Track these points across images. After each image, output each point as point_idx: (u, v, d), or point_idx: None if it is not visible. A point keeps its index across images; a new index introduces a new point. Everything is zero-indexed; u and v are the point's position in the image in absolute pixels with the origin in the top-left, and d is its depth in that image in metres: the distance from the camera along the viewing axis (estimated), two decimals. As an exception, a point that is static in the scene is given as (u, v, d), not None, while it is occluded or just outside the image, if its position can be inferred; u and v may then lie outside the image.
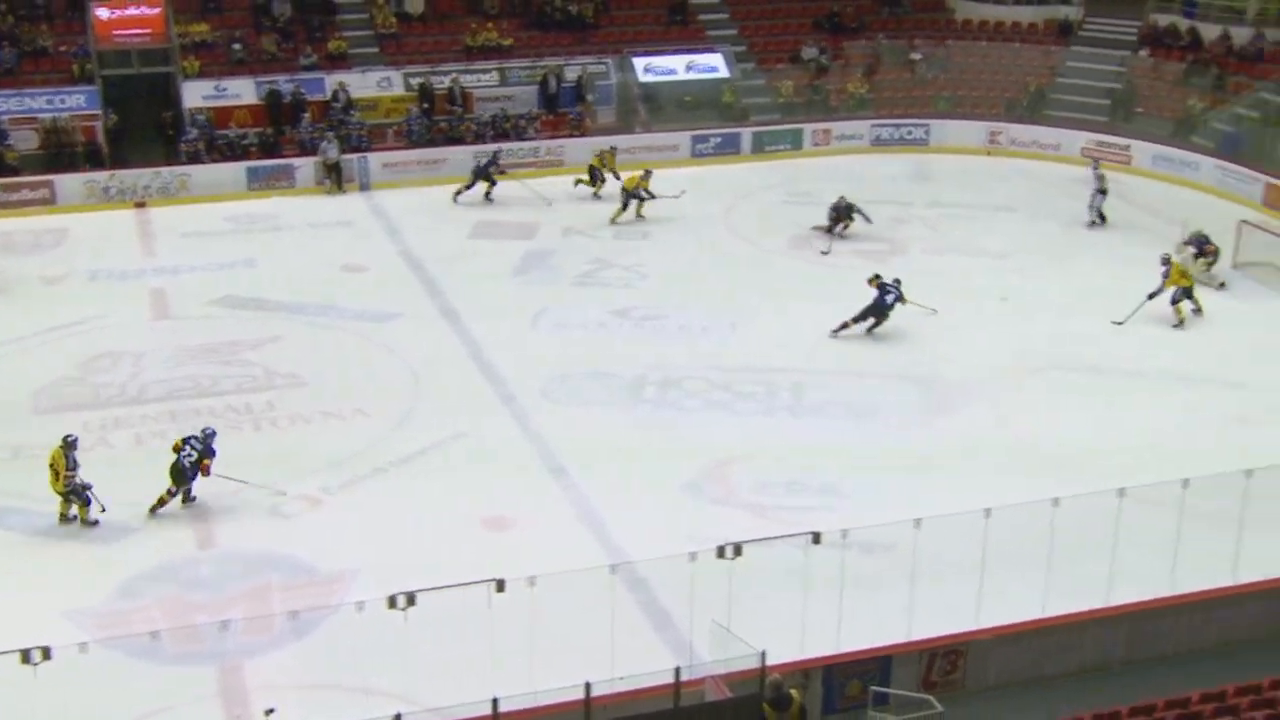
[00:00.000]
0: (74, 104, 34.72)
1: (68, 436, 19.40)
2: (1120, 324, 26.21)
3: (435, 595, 14.23)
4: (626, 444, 21.81)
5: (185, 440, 19.80)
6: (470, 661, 15.16)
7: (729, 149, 37.30)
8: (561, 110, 37.53)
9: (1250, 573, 17.32)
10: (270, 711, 14.49)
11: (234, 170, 34.19)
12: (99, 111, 34.77)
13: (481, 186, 33.52)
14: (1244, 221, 30.08)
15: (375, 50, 38.11)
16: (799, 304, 27.34)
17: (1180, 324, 26.17)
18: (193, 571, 18.47)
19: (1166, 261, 26.75)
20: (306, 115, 35.41)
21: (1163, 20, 39.80)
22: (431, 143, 35.98)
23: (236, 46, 36.68)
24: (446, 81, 37.00)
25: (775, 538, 16.45)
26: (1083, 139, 37.23)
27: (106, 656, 15.08)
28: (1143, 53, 39.44)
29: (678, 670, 13.69)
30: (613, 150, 34.80)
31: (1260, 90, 36.40)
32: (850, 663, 15.80)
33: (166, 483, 19.56)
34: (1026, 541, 16.59)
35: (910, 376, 24.27)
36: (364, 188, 34.59)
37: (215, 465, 19.73)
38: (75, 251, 30.50)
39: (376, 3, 38.82)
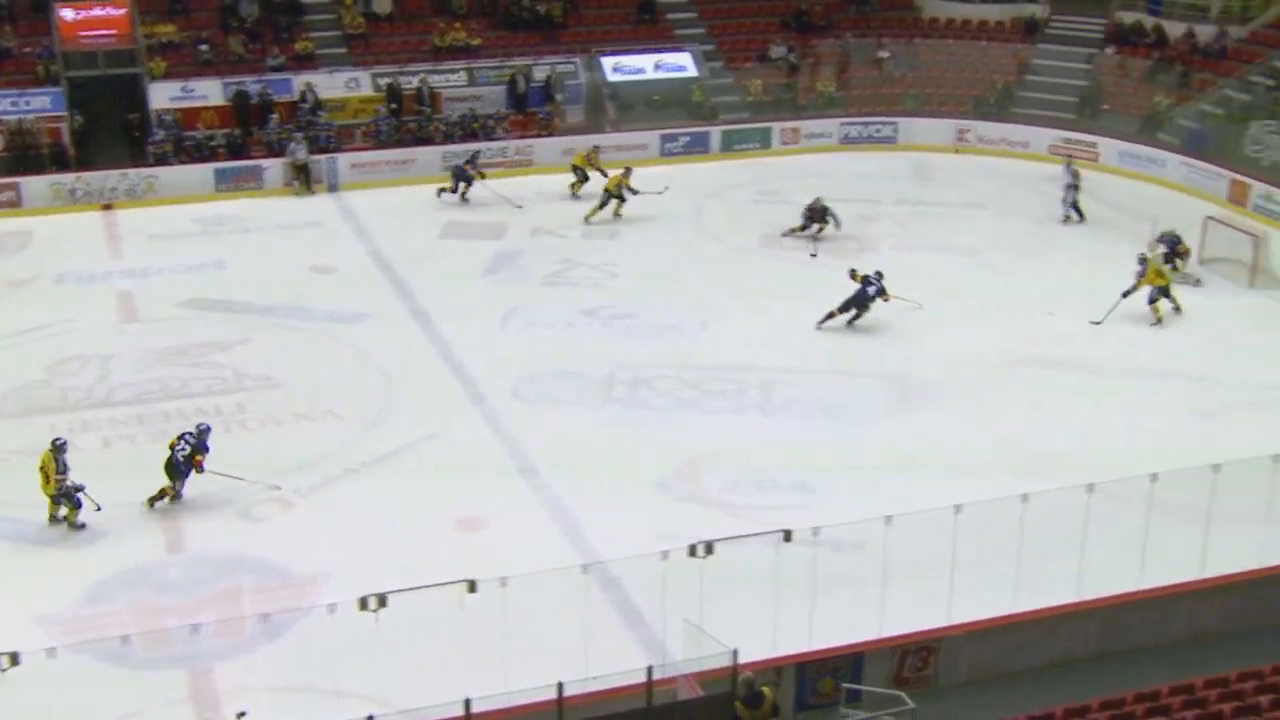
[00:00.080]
0: (39, 106, 34.47)
1: (56, 440, 19.34)
2: (1098, 324, 26.32)
3: (407, 596, 14.20)
4: (597, 443, 21.82)
5: (181, 436, 19.83)
6: (443, 662, 15.17)
7: (698, 148, 37.34)
8: (530, 110, 37.49)
9: (1217, 566, 17.43)
10: (242, 715, 14.40)
11: (202, 172, 34.03)
12: (64, 113, 34.54)
13: (461, 186, 33.41)
14: (1209, 217, 30.28)
15: (343, 51, 38.00)
16: (769, 302, 27.40)
17: (1159, 322, 26.29)
18: (163, 575, 18.38)
19: (1143, 261, 26.89)
20: (274, 116, 35.27)
21: (1128, 18, 40.03)
22: (400, 143, 35.90)
23: (203, 47, 36.52)
24: (415, 82, 36.90)
25: (746, 536, 16.50)
26: (1050, 136, 37.42)
27: (76, 662, 14.95)
28: (1109, 50, 39.66)
29: (650, 669, 13.69)
30: (596, 149, 34.81)
31: (1224, 87, 36.66)
32: (822, 660, 15.81)
33: (162, 479, 19.62)
34: (997, 538, 16.66)
35: (880, 374, 24.34)
36: (332, 188, 34.48)
37: (210, 462, 19.75)
38: (41, 254, 30.30)
39: (344, 3, 38.71)
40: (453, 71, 37.72)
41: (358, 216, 32.73)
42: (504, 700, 13.50)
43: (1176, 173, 35.10)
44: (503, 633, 14.67)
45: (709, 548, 15.21)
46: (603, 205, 32.07)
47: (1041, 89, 39.14)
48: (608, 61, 38.90)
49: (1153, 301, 26.36)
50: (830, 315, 25.88)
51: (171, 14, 37.34)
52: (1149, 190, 34.73)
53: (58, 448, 19.16)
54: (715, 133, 37.89)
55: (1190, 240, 28.75)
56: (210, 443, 19.87)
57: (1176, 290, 26.68)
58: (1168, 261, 27.34)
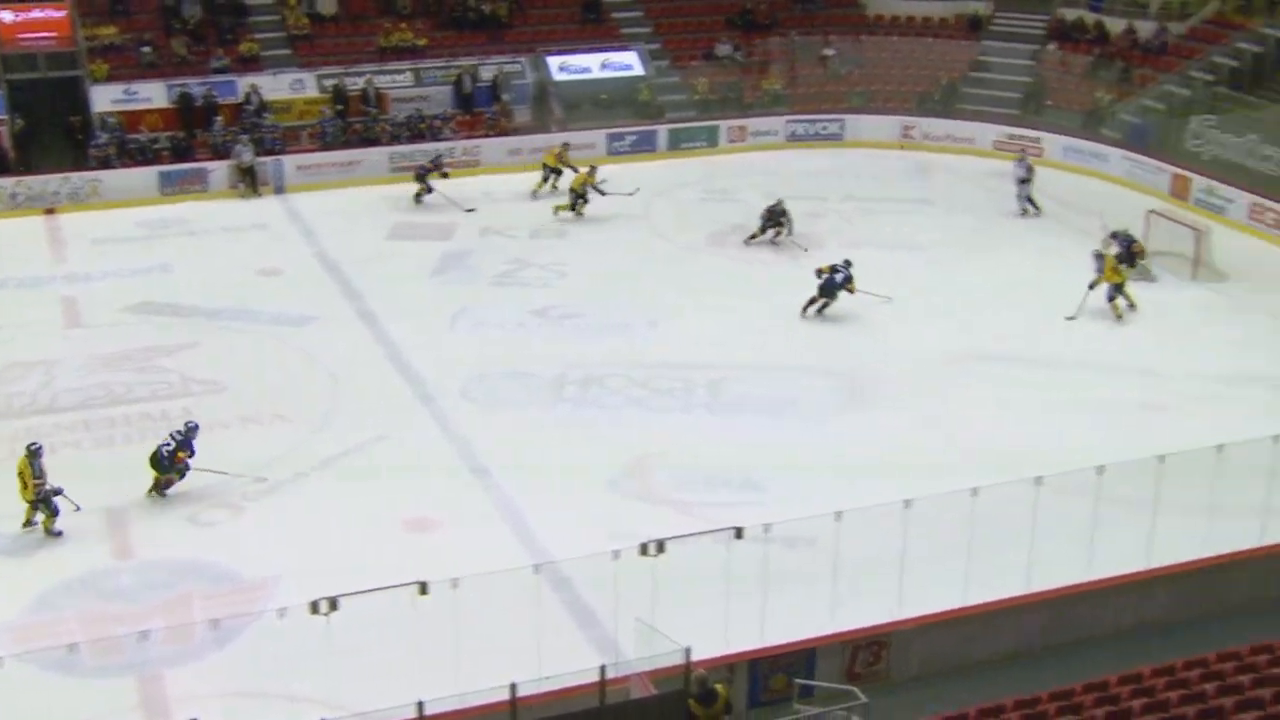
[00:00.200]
0: (-22, 109, 34.15)
1: (31, 445, 19.23)
2: (1072, 319, 26.52)
3: (358, 599, 14.13)
4: (547, 443, 21.81)
5: (172, 434, 20.04)
6: (395, 665, 15.09)
7: (645, 147, 37.35)
8: (477, 110, 37.40)
9: (1163, 557, 17.62)
10: (192, 722, 14.35)
11: (145, 175, 33.73)
12: (5, 116, 34.07)
13: (424, 185, 33.17)
14: (1152, 211, 30.59)
15: (288, 52, 37.77)
16: (718, 300, 27.47)
17: (1120, 319, 26.49)
18: (111, 582, 18.22)
19: (1099, 257, 27.12)
20: (219, 118, 34.99)
21: (1070, 15, 40.37)
22: (347, 144, 35.72)
23: (146, 49, 36.21)
24: (360, 82, 36.72)
25: (698, 534, 16.49)
26: (995, 132, 37.69)
27: (22, 671, 14.83)
28: (1051, 47, 39.97)
29: (603, 669, 13.68)
30: (566, 146, 34.83)
31: (1164, 83, 37.03)
32: (775, 656, 15.88)
33: (150, 473, 19.83)
34: (947, 532, 16.77)
35: (828, 371, 24.44)
36: (279, 191, 34.28)
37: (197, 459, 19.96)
38: (-17, 259, 30.01)
39: (288, 3, 38.46)
40: (399, 72, 37.58)
41: (304, 218, 32.55)
42: (457, 702, 13.47)
43: (1119, 167, 35.45)
44: (455, 634, 14.63)
45: (660, 546, 15.22)
46: (572, 205, 32.07)
47: (986, 85, 39.40)
48: (554, 61, 38.85)
49: (1112, 299, 26.57)
50: (811, 302, 26.29)
51: (113, 15, 36.96)
52: (1093, 185, 35.06)
53: (33, 452, 19.05)
54: (662, 131, 37.92)
55: (1133, 234, 28.97)
56: (196, 442, 20.03)
57: (1130, 287, 26.88)
58: (1127, 260, 27.45)
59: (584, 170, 32.71)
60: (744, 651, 15.77)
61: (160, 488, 19.93)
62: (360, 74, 36.88)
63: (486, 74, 37.87)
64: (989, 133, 37.78)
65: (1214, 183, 32.98)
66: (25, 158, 34.00)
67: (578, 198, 32.13)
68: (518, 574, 15.94)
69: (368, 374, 24.25)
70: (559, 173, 33.81)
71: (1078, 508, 17.40)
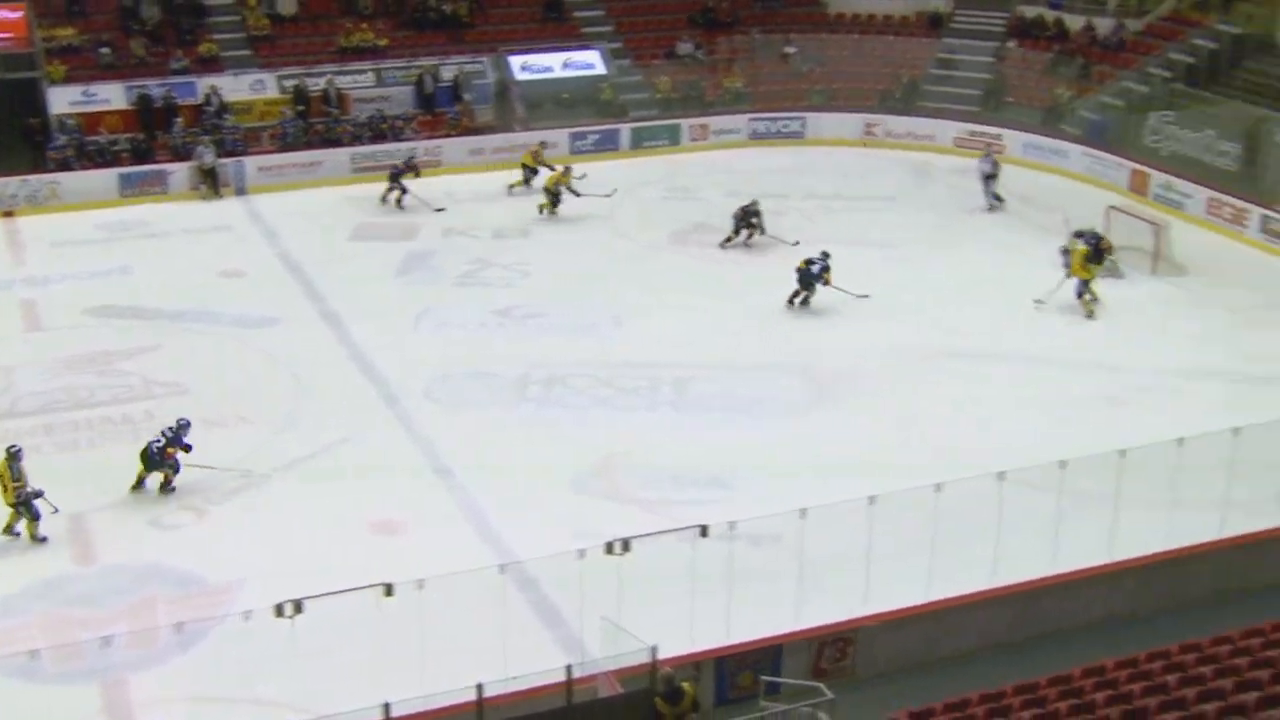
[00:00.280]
0: (-65, 112, 33.88)
1: (11, 447, 19.12)
2: (1041, 303, 26.83)
3: (323, 602, 14.08)
4: (512, 443, 21.78)
5: (163, 430, 20.15)
6: (360, 667, 15.06)
7: (607, 145, 37.33)
8: (439, 110, 37.31)
9: (1126, 550, 17.76)
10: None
11: (105, 177, 33.47)
12: (-39, 119, 33.95)
13: (389, 187, 33.02)
14: (1112, 207, 30.80)
15: (248, 53, 37.56)
16: (682, 299, 27.50)
17: (1091, 316, 26.66)
18: (74, 587, 18.08)
19: (1066, 252, 27.30)
20: (179, 120, 34.79)
21: (1029, 12, 40.56)
22: (308, 145, 35.56)
23: (104, 50, 35.94)
24: (321, 83, 36.56)
25: (663, 532, 16.50)
26: (956, 129, 37.86)
27: (-15, 677, 14.77)
28: (1011, 44, 40.16)
29: (569, 668, 13.69)
30: (542, 145, 34.91)
31: (1123, 79, 37.28)
32: (741, 654, 15.93)
33: (139, 467, 20.00)
34: (911, 528, 16.83)
35: (793, 368, 24.50)
36: (240, 192, 34.09)
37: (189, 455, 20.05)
38: (-59, 264, 29.76)
39: (248, 4, 38.26)
40: (360, 72, 37.44)
41: (266, 220, 32.40)
42: (423, 703, 13.48)
43: (1079, 163, 35.67)
44: (420, 635, 14.60)
45: (626, 545, 15.24)
46: (554, 205, 32.03)
47: (947, 83, 39.55)
48: (515, 60, 38.77)
49: (1081, 295, 26.74)
50: (794, 295, 26.63)
51: (70, 16, 36.65)
52: (1053, 181, 35.26)
53: (13, 455, 18.94)
54: (624, 130, 37.92)
55: (1099, 232, 29.11)
56: (188, 438, 20.10)
57: (1096, 284, 27.04)
58: (1095, 258, 27.57)
59: (559, 170, 32.68)
60: (710, 649, 15.81)
61: (140, 484, 20.00)
62: (321, 74, 36.72)
63: (448, 74, 37.79)
64: (950, 130, 37.95)
65: (1172, 178, 33.23)
66: (-18, 160, 33.80)
67: (551, 196, 32.09)
68: (483, 574, 15.94)
69: (331, 375, 24.17)
70: (535, 171, 33.81)
71: (1041, 502, 17.52)
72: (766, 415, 22.82)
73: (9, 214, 32.52)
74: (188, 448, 20.17)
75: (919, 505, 16.58)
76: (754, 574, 16.77)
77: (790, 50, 40.73)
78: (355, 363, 24.66)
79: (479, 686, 13.02)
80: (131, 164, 33.99)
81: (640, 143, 37.81)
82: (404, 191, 32.75)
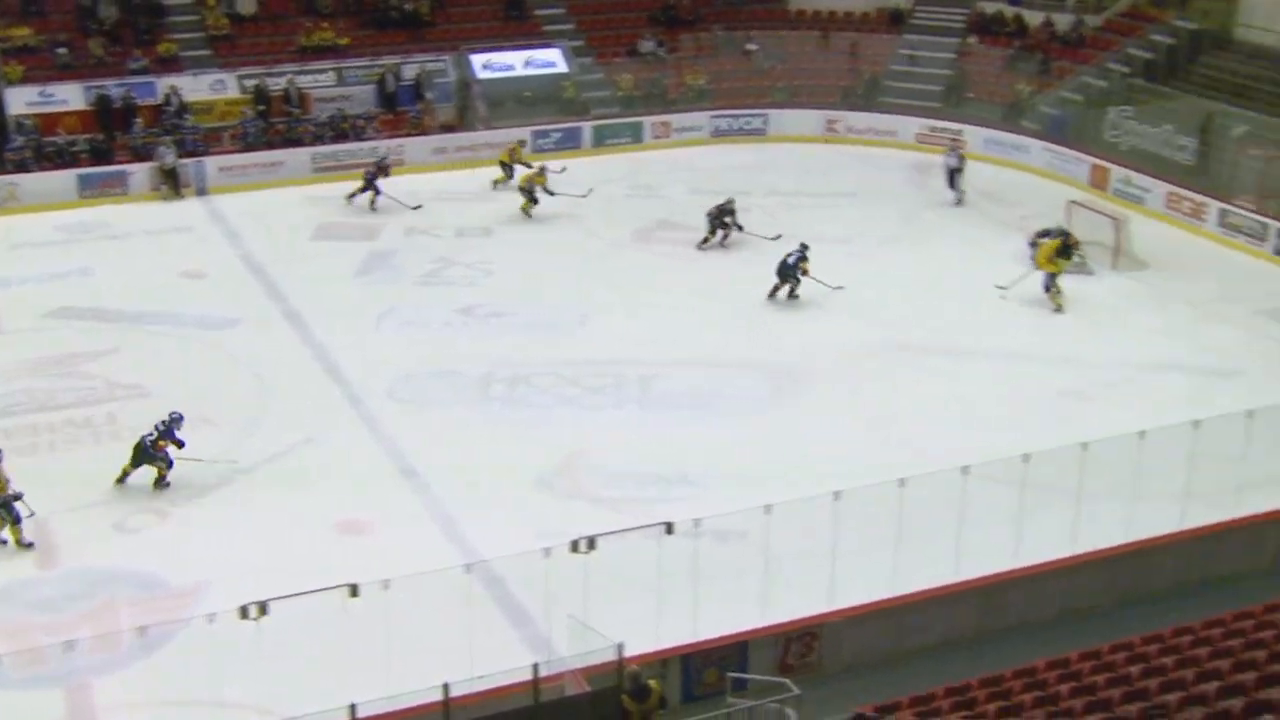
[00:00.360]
0: (-111, 113, 33.52)
1: None
2: (1004, 289, 27.03)
3: (288, 603, 14.06)
4: (476, 442, 21.75)
5: (156, 424, 20.19)
6: (326, 668, 15.03)
7: (570, 143, 37.30)
8: (400, 109, 37.21)
9: (1089, 543, 17.89)
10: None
11: (64, 178, 33.19)
12: (-83, 121, 33.63)
13: (370, 187, 32.76)
14: (1072, 201, 30.98)
15: (208, 52, 37.36)
16: (646, 296, 27.52)
17: (1059, 309, 26.80)
18: (35, 592, 17.94)
19: (1034, 244, 27.46)
20: (139, 120, 34.55)
21: (989, 8, 40.76)
22: (269, 145, 35.37)
23: (62, 50, 35.68)
24: (282, 83, 36.40)
25: (628, 530, 16.52)
26: (917, 125, 38.01)
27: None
28: (971, 40, 40.33)
29: (536, 667, 13.70)
30: (521, 144, 34.93)
31: (1082, 75, 37.51)
32: (707, 650, 15.97)
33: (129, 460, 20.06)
34: (876, 523, 16.91)
35: (758, 364, 24.54)
36: (201, 193, 33.90)
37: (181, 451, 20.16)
38: (-102, 267, 29.47)
39: (207, 3, 38.05)
40: (321, 72, 37.28)
41: (227, 220, 32.23)
42: (389, 703, 13.46)
43: (1040, 158, 35.88)
44: (386, 636, 14.58)
45: (591, 543, 15.26)
46: (535, 201, 31.97)
47: (908, 79, 39.70)
48: (477, 59, 38.69)
49: (1048, 289, 26.89)
50: (774, 290, 26.90)
51: (26, 16, 36.36)
52: (1014, 176, 35.45)
53: None
54: (587, 128, 37.90)
55: (1053, 224, 29.24)
56: (179, 432, 20.15)
57: (1062, 279, 27.18)
58: (1064, 252, 27.69)
59: (534, 169, 32.67)
60: (677, 646, 15.86)
61: (124, 478, 20.05)
62: (282, 74, 36.55)
63: (409, 73, 37.68)
64: (911, 125, 38.09)
65: (1131, 173, 33.47)
66: (-61, 162, 33.48)
67: (526, 195, 32.05)
68: (449, 574, 15.93)
69: (294, 376, 24.07)
70: (513, 168, 33.80)
71: (1005, 496, 17.62)
72: (731, 412, 22.85)
73: (-34, 216, 32.28)
74: (180, 443, 20.20)
75: (883, 500, 16.65)
76: (720, 571, 16.78)
77: (752, 47, 40.81)
78: (318, 363, 24.57)
79: (445, 686, 13.01)
80: (91, 165, 33.73)
81: (602, 141, 37.80)
82: (378, 193, 32.57)
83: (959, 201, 33.16)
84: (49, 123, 34.41)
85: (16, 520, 18.71)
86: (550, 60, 39.35)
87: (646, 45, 40.24)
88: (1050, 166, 35.48)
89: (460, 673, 13.38)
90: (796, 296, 26.98)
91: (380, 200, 32.55)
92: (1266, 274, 29.25)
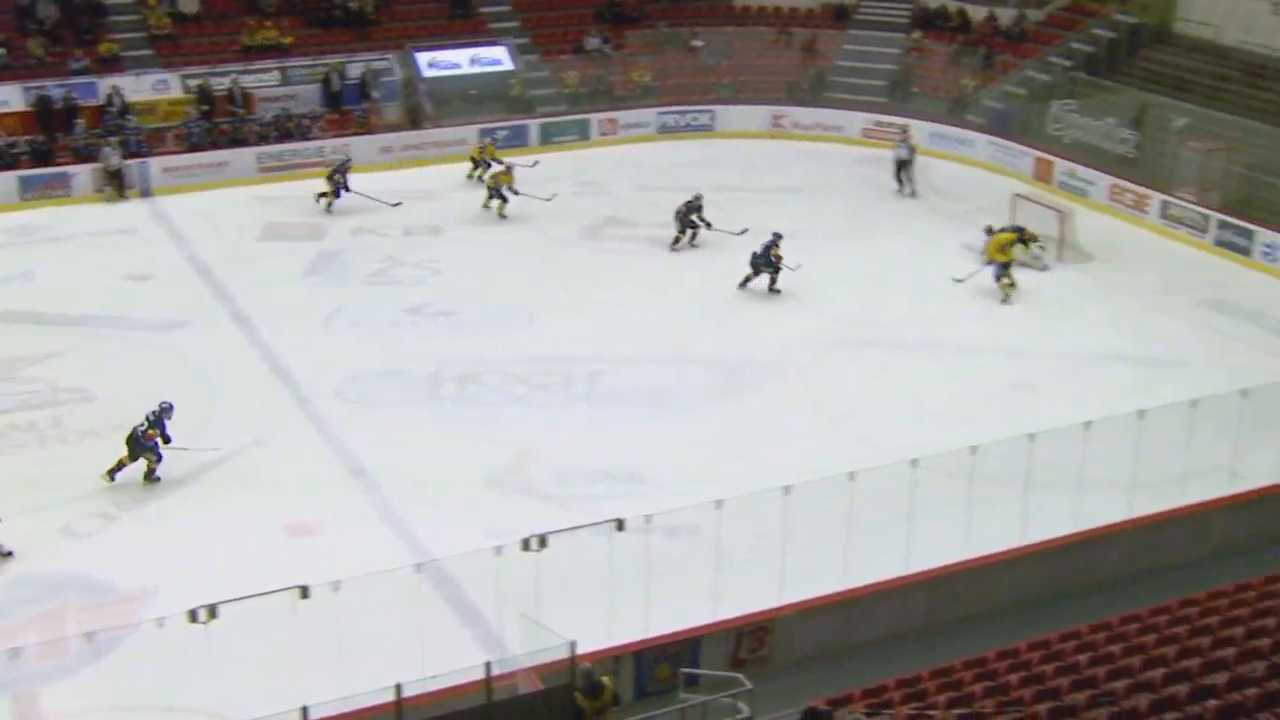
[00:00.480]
0: None
1: None
2: (960, 281, 27.23)
3: (238, 606, 13.98)
4: (426, 441, 21.70)
5: (147, 414, 20.22)
6: (278, 671, 14.94)
7: (517, 141, 37.20)
8: (346, 108, 37.03)
9: (1037, 533, 18.04)
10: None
11: (4, 180, 32.76)
12: None
13: (339, 189, 32.47)
14: (1017, 195, 31.20)
15: (150, 52, 37.03)
16: (594, 293, 27.53)
17: (1007, 300, 27.01)
18: (-20, 598, 17.80)
19: (989, 233, 27.64)
20: (80, 121, 34.23)
21: (933, 2, 40.99)
22: (215, 145, 35.11)
23: (0, 51, 35.30)
24: (226, 82, 36.13)
25: (579, 527, 16.52)
26: (863, 120, 38.18)
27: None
28: (915, 34, 40.54)
29: (488, 665, 13.67)
30: (493, 140, 35.00)
31: (1025, 68, 37.80)
32: (659, 646, 16.00)
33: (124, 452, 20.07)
34: (826, 516, 16.98)
35: (707, 360, 24.59)
36: (145, 194, 33.60)
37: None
38: None
39: (148, 3, 37.70)
40: (265, 71, 37.04)
41: (173, 221, 31.97)
42: (342, 705, 13.40)
43: (984, 152, 36.14)
44: (338, 637, 14.54)
45: (542, 541, 15.26)
46: (503, 200, 31.87)
47: (853, 74, 39.85)
48: (423, 57, 38.55)
49: (999, 279, 27.10)
50: (746, 280, 27.12)
51: (-37, 17, 36.06)
52: (959, 170, 35.67)
53: None
54: (533, 126, 37.85)
55: (1000, 218, 29.42)
56: (167, 422, 20.26)
57: (1015, 270, 27.39)
58: (1021, 241, 27.90)
59: (499, 167, 32.63)
60: (629, 643, 15.88)
61: (115, 472, 20.03)
62: (226, 74, 36.28)
63: (354, 72, 37.49)
64: (857, 121, 38.27)
65: (1075, 165, 33.77)
66: (-124, 166, 33.02)
67: (494, 194, 31.96)
68: (399, 574, 15.87)
69: (242, 377, 23.93)
70: (487, 165, 33.70)
71: (953, 488, 17.73)
72: (681, 409, 22.89)
73: (-94, 220, 31.85)
74: (167, 439, 20.15)
75: (833, 494, 16.73)
76: (671, 567, 16.80)
77: (697, 44, 40.89)
78: (266, 364, 24.44)
79: (398, 687, 12.97)
80: (31, 167, 33.38)
81: (549, 138, 37.76)
82: (336, 196, 32.33)
83: (911, 194, 33.36)
84: (-12, 124, 34.07)
85: None
86: (496, 58, 39.26)
87: (592, 42, 40.22)
88: (995, 160, 35.74)
89: (412, 673, 13.35)
90: (778, 290, 27.00)
91: (338, 204, 32.34)
92: (1207, 265, 29.61)
